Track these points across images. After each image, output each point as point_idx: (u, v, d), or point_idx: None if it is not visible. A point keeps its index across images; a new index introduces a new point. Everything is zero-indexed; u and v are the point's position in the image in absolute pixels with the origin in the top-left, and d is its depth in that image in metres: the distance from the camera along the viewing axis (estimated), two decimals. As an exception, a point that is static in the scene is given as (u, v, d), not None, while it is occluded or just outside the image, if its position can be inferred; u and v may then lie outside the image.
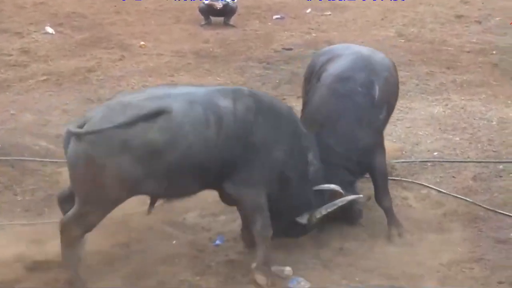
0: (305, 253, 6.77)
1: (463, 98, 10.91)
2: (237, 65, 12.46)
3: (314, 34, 14.33)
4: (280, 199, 6.49)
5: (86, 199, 5.99)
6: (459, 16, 15.76)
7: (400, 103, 10.55)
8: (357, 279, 6.51)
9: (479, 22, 15.38)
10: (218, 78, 11.74)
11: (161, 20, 15.49)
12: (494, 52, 13.32)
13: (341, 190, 6.62)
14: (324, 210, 6.55)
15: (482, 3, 16.72)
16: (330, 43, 13.54)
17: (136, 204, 7.40)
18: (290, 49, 13.32)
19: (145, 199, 6.49)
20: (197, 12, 15.26)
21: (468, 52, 13.32)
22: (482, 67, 12.49)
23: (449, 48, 13.50)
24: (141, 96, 6.16)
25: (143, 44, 13.61)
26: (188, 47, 13.42)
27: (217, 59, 12.78)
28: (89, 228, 6.10)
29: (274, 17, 15.64)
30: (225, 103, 6.17)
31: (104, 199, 6.00)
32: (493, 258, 6.70)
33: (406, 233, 7.09)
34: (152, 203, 6.50)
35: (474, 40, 14.04)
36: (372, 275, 6.56)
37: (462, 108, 10.49)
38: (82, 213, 6.01)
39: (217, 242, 7.00)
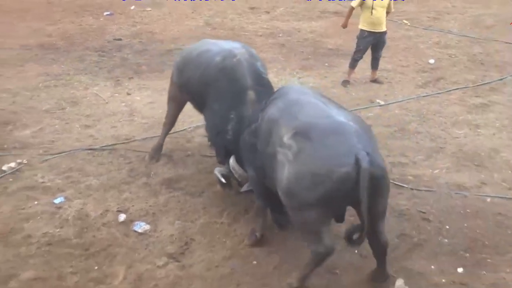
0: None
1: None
2: (77, 54, 12.10)
3: (139, 26, 14.14)
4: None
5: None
6: (252, 8, 16.10)
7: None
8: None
9: (268, 12, 15.79)
10: (62, 66, 11.35)
11: (7, 19, 14.63)
12: (280, 35, 13.75)
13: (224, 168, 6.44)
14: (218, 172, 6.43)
15: (269, -3, 17.15)
16: (152, 33, 13.49)
17: None
18: (120, 40, 13.10)
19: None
20: (42, 10, 14.58)
21: (261, 35, 13.67)
22: (272, 47, 12.88)
23: (246, 33, 13.79)
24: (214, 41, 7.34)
25: (-7, 40, 12.88)
26: (34, 41, 12.86)
27: (59, 50, 12.34)
28: (171, 119, 7.64)
29: (105, 13, 15.26)
30: (222, 56, 6.57)
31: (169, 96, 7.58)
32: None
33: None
34: None
35: (265, 26, 14.41)
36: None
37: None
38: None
39: (58, 200, 6.89)
